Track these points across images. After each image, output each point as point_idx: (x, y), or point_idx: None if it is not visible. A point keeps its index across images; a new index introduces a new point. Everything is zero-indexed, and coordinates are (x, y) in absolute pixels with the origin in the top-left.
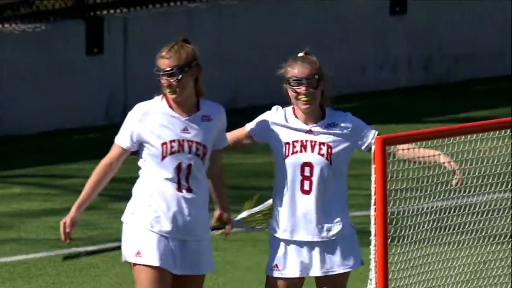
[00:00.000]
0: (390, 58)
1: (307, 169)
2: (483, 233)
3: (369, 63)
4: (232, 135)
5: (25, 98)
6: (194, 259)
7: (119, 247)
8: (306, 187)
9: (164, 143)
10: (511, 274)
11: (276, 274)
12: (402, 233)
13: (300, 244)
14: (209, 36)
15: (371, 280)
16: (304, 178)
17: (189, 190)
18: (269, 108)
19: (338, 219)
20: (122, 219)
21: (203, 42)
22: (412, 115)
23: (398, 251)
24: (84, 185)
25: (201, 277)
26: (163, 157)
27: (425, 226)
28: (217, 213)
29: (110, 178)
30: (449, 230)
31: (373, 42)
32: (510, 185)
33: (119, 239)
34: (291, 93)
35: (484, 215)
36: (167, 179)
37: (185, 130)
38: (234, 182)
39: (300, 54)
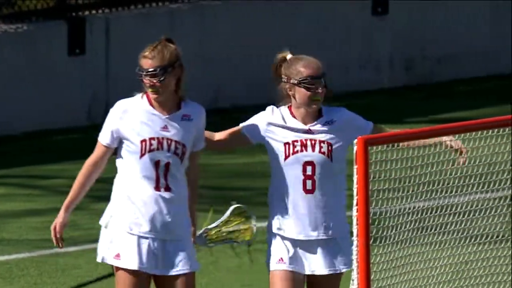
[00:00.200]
0: (373, 58)
1: (309, 168)
2: (465, 233)
3: (352, 63)
4: (225, 135)
5: (7, 98)
6: (176, 258)
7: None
8: (309, 186)
9: (143, 140)
10: (493, 274)
11: (283, 266)
12: (385, 233)
13: (306, 243)
14: (191, 37)
15: (353, 280)
16: (307, 177)
17: (167, 189)
18: (251, 108)
19: (340, 216)
20: (101, 222)
21: (185, 43)
22: (395, 115)
23: (380, 252)
24: (66, 185)
25: (191, 277)
26: (142, 155)
27: (408, 226)
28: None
29: (97, 177)
30: (431, 230)
31: (356, 42)
32: (491, 185)
33: None
34: (303, 93)
35: (466, 216)
36: (145, 176)
37: (164, 128)
38: (215, 183)
39: (303, 55)
